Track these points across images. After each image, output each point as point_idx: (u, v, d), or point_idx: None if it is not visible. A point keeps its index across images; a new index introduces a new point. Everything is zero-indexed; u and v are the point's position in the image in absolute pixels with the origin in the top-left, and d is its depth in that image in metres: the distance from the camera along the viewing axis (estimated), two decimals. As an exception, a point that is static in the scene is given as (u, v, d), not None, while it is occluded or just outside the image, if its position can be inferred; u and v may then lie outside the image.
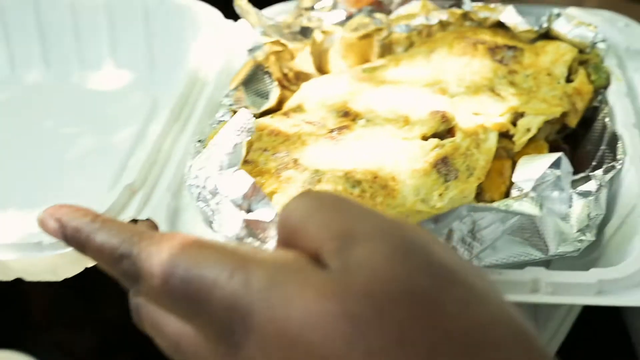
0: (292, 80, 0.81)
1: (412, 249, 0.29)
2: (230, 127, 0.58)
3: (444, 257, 0.30)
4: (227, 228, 0.54)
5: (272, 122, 0.66)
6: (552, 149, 0.69)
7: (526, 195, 0.53)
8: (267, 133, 0.65)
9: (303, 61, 0.80)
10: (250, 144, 0.64)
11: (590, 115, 0.69)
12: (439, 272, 0.28)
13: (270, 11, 0.81)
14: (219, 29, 0.78)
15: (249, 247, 0.45)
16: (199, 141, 0.64)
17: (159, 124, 0.66)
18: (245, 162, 0.63)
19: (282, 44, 0.76)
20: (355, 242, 0.29)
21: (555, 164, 0.55)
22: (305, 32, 0.80)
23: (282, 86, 0.78)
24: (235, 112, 0.69)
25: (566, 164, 0.54)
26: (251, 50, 0.74)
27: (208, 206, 0.56)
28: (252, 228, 0.53)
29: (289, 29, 0.77)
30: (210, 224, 0.57)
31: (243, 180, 0.54)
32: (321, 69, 0.82)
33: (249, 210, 0.53)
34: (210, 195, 0.56)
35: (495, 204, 0.53)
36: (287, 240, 0.32)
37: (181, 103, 0.68)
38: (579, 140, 0.69)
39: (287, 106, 0.72)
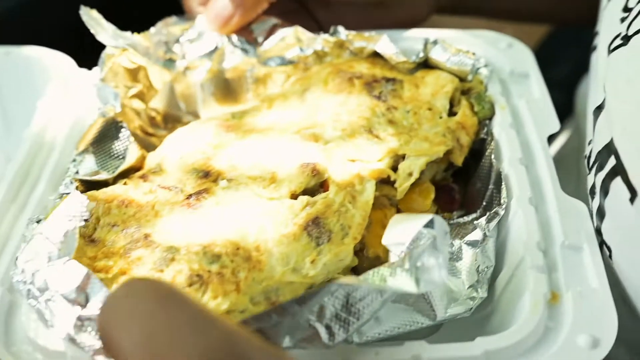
0: (160, 125, 0.73)
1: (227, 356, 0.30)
2: (60, 212, 0.50)
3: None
4: (59, 327, 0.46)
5: (123, 190, 0.58)
6: (440, 189, 0.63)
7: (401, 265, 0.47)
8: (116, 205, 0.57)
9: (168, 101, 0.73)
10: (97, 220, 0.56)
11: (479, 147, 0.64)
12: None
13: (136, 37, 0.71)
14: (69, 80, 0.70)
15: None
16: (37, 222, 0.55)
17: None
18: (92, 241, 0.55)
19: (140, 70, 0.68)
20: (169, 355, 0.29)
21: (430, 224, 0.48)
22: (169, 65, 0.72)
23: (147, 134, 0.70)
24: (81, 182, 0.61)
25: (441, 224, 0.48)
26: (103, 99, 0.65)
27: (39, 303, 0.48)
28: (86, 325, 0.45)
29: (149, 56, 0.70)
30: (45, 322, 0.49)
31: (76, 272, 0.46)
32: (191, 111, 0.74)
33: (84, 305, 0.46)
34: (38, 292, 0.48)
35: (368, 278, 0.47)
36: (105, 346, 0.33)
37: (20, 176, 0.59)
38: (470, 174, 0.64)
39: (147, 165, 0.64)
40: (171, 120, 0.73)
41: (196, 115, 0.74)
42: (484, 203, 0.60)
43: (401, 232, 0.49)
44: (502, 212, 0.54)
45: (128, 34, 0.69)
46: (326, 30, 0.71)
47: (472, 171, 0.64)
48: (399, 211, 0.60)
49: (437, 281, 0.47)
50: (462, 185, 0.64)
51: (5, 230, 0.56)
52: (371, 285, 0.46)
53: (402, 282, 0.46)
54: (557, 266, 0.51)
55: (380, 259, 0.57)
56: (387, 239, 0.49)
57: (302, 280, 0.52)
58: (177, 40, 0.73)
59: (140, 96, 0.70)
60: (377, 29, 0.71)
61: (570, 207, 0.55)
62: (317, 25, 0.79)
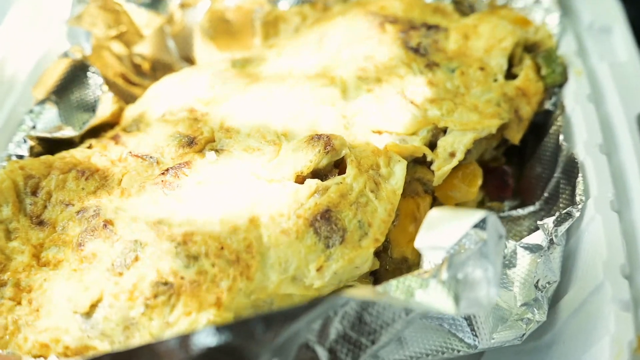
0: (147, 73, 0.60)
1: None
2: None
3: None
4: None
5: (86, 156, 0.46)
6: (489, 171, 0.50)
7: (435, 274, 0.34)
8: (74, 176, 0.44)
9: (158, 46, 0.60)
10: (48, 195, 0.44)
11: (542, 120, 0.50)
12: None
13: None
14: (39, 4, 0.57)
15: None
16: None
17: None
18: (39, 223, 0.43)
19: (122, 14, 0.55)
20: None
21: (480, 224, 0.35)
22: (159, 5, 0.59)
23: (130, 83, 0.58)
24: (38, 139, 0.48)
25: (494, 224, 0.35)
26: (72, 39, 0.52)
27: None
28: None
29: None
30: None
31: None
32: (185, 56, 0.61)
33: None
34: None
35: (389, 290, 0.34)
36: None
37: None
38: (527, 154, 0.50)
39: (128, 116, 0.51)
40: (161, 67, 0.60)
41: (190, 62, 0.61)
42: (546, 194, 0.46)
43: (441, 232, 0.36)
44: (577, 215, 0.41)
45: None
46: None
47: (530, 150, 0.51)
48: (435, 200, 0.47)
49: (483, 302, 0.34)
50: (517, 167, 0.51)
51: None
52: (393, 301, 0.34)
53: (435, 298, 0.34)
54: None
55: (407, 262, 0.45)
56: (421, 241, 0.36)
57: (305, 292, 0.40)
58: None
59: (122, 39, 0.57)
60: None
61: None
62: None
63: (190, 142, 0.46)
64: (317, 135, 0.44)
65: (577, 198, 0.42)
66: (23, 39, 0.54)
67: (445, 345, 0.39)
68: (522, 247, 0.42)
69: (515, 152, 0.51)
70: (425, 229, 0.39)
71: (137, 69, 0.59)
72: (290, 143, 0.44)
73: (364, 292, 0.34)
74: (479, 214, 0.36)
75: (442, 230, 0.38)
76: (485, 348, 0.39)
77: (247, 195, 0.42)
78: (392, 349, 0.39)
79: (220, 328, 0.31)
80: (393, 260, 0.45)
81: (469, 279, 0.34)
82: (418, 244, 0.40)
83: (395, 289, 0.34)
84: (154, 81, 0.57)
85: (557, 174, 0.45)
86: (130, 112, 0.52)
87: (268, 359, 0.34)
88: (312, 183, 0.42)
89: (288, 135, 0.45)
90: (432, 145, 0.46)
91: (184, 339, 0.30)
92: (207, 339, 0.31)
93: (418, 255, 0.45)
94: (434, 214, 0.40)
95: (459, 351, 0.39)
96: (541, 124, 0.50)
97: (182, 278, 0.38)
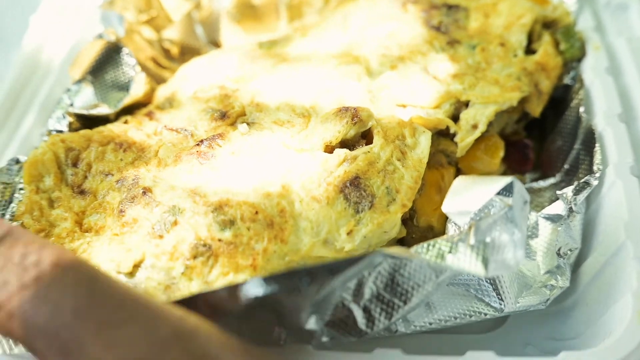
0: (176, 57, 0.62)
1: None
2: None
3: None
4: None
5: (123, 130, 0.48)
6: (510, 145, 0.52)
7: (464, 239, 0.35)
8: (112, 148, 0.46)
9: (186, 31, 0.62)
10: (88, 167, 0.46)
11: (562, 95, 0.51)
12: None
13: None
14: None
15: None
16: (17, 162, 0.45)
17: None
18: (81, 192, 0.45)
19: (155, 1, 0.57)
20: None
21: (506, 190, 0.37)
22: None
23: (160, 67, 0.60)
24: (76, 116, 0.50)
25: (520, 190, 0.36)
26: (106, 23, 0.54)
27: None
28: None
29: None
30: None
31: None
32: (213, 40, 0.63)
33: None
34: None
35: (421, 252, 0.36)
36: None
37: (9, 104, 0.49)
38: (547, 129, 0.52)
39: (160, 95, 0.53)
40: (189, 52, 0.62)
41: (217, 47, 0.63)
42: (566, 166, 0.48)
43: (467, 197, 0.37)
44: (595, 183, 0.42)
45: None
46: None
47: (550, 124, 0.52)
48: (459, 171, 0.49)
49: (510, 264, 0.36)
50: (537, 141, 0.52)
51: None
52: (425, 262, 0.35)
53: (465, 261, 0.35)
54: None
55: (433, 230, 0.47)
56: (449, 206, 0.38)
57: (335, 255, 0.42)
58: None
59: (152, 24, 0.59)
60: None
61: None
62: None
63: (223, 116, 0.48)
64: (344, 107, 0.46)
65: (595, 167, 0.43)
66: (58, 23, 0.56)
67: (473, 309, 0.41)
68: (543, 217, 0.43)
69: (535, 127, 0.52)
70: (452, 194, 0.41)
71: (166, 53, 0.61)
72: (319, 115, 0.46)
73: (398, 250, 0.36)
74: (504, 180, 0.38)
75: (469, 196, 0.40)
76: (510, 311, 0.40)
77: (278, 164, 0.44)
78: (421, 313, 0.40)
79: (267, 279, 0.33)
80: (419, 229, 0.47)
81: (496, 243, 0.35)
82: (445, 208, 0.41)
83: (426, 251, 0.36)
84: (182, 65, 0.59)
85: (577, 146, 0.47)
86: (162, 92, 0.54)
87: (309, 313, 0.36)
88: (341, 152, 0.44)
89: (316, 109, 0.47)
90: (454, 119, 0.48)
91: (234, 289, 0.32)
92: (255, 289, 0.32)
93: (443, 224, 0.47)
94: (461, 180, 0.42)
95: (485, 314, 0.40)
96: (561, 99, 0.51)
97: (219, 240, 0.40)
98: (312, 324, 0.37)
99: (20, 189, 0.44)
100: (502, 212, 0.36)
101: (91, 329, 0.28)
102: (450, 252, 0.36)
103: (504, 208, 0.36)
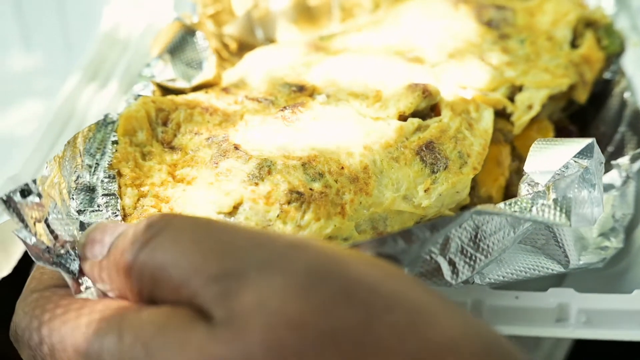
0: (234, 52, 0.66)
1: (320, 277, 0.23)
2: None
3: (368, 279, 0.24)
4: None
5: (206, 98, 0.51)
6: (557, 131, 0.56)
7: (544, 195, 0.39)
8: (199, 112, 0.50)
9: (245, 28, 0.66)
10: (177, 126, 0.49)
11: (601, 89, 0.56)
12: (363, 300, 0.23)
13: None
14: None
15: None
16: (112, 122, 0.48)
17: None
18: (171, 148, 0.48)
19: None
20: (241, 282, 0.24)
21: (584, 152, 0.41)
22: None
23: (221, 58, 0.63)
24: (158, 85, 0.54)
25: (598, 152, 0.41)
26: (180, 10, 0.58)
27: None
28: None
29: None
30: None
31: None
32: (269, 38, 0.67)
33: None
34: None
35: (506, 207, 0.39)
36: (149, 291, 0.26)
37: (92, 71, 0.53)
38: (588, 120, 0.56)
39: (226, 80, 0.57)
40: (247, 48, 0.66)
41: (274, 43, 0.67)
42: (612, 149, 0.52)
43: (548, 158, 0.41)
44: None
45: None
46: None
47: (589, 116, 0.57)
48: (514, 149, 0.53)
49: (589, 219, 0.40)
50: (580, 130, 0.57)
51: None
52: (511, 213, 0.39)
53: (549, 213, 0.39)
54: None
55: (492, 200, 0.50)
56: (530, 165, 0.42)
57: (414, 210, 0.45)
58: None
59: (216, 18, 0.63)
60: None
61: None
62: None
63: (300, 89, 0.51)
64: (414, 83, 0.50)
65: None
66: (134, 5, 0.60)
67: (540, 265, 0.44)
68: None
69: (578, 118, 0.57)
70: (533, 155, 0.45)
71: (225, 48, 0.65)
72: (391, 89, 0.50)
73: (483, 206, 0.39)
74: (584, 141, 0.42)
75: (550, 156, 0.43)
76: (574, 267, 0.43)
77: (357, 129, 0.47)
78: (492, 268, 0.43)
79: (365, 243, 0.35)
80: (480, 199, 0.50)
81: (577, 199, 0.39)
82: (528, 167, 0.45)
83: (509, 207, 0.40)
84: (239, 58, 0.63)
85: (621, 129, 0.52)
86: (229, 75, 0.57)
87: (403, 268, 0.38)
88: (415, 121, 0.48)
89: (386, 85, 0.51)
90: (510, 100, 0.52)
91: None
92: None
93: (502, 195, 0.50)
94: (539, 142, 0.46)
95: (552, 270, 0.43)
96: (599, 93, 0.56)
97: (310, 189, 0.43)
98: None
99: (114, 142, 0.47)
100: (579, 172, 0.40)
101: None
102: (533, 207, 0.39)
103: (580, 169, 0.40)
